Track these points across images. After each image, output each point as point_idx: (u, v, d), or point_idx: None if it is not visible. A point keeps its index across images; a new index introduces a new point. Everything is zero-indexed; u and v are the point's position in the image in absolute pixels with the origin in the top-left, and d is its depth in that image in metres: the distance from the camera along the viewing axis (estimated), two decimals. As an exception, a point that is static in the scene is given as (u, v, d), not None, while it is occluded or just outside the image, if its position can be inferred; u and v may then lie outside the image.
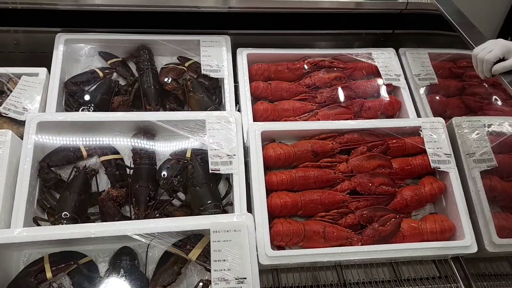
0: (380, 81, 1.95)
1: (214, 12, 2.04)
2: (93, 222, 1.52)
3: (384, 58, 2.01)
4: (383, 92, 1.92)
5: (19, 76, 1.85)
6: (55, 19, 1.99)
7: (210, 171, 1.55)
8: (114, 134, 1.69)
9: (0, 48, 2.06)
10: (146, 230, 1.28)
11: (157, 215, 1.53)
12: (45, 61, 1.98)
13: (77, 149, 1.62)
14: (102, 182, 1.63)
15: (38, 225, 1.50)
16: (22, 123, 1.74)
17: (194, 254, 1.31)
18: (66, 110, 1.82)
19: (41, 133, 1.57)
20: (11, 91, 1.80)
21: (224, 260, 1.25)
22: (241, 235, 1.28)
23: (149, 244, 1.35)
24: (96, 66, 1.99)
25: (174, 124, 1.63)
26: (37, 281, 1.26)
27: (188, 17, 2.04)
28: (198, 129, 1.66)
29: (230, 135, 1.61)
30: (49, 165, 1.57)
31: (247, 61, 1.95)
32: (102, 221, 1.51)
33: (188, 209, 1.56)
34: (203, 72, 1.91)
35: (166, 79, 1.89)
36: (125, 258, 1.29)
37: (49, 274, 1.27)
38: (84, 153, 1.62)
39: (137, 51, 2.00)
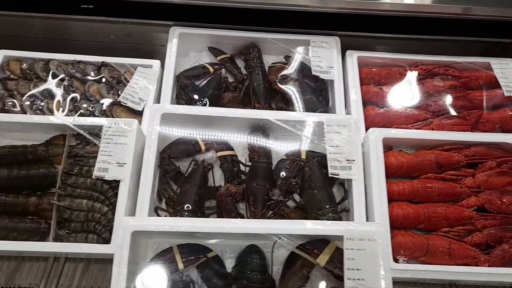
0: (499, 92, 1.85)
1: (323, 12, 2.00)
2: (209, 216, 1.54)
3: (504, 69, 1.90)
4: (503, 104, 1.82)
5: (134, 67, 1.91)
6: (167, 12, 2.03)
7: (330, 175, 1.52)
8: (230, 130, 1.70)
9: (113, 38, 2.12)
10: (279, 231, 1.28)
11: (271, 215, 1.52)
12: (154, 53, 2.04)
13: (195, 143, 1.64)
14: (216, 177, 1.64)
15: (158, 215, 1.53)
16: (137, 113, 1.80)
17: (322, 260, 1.29)
18: (177, 103, 1.85)
19: (162, 125, 1.61)
20: (127, 81, 1.86)
21: (358, 269, 1.22)
22: (374, 245, 1.25)
23: (274, 244, 1.35)
24: (205, 61, 2.02)
25: (292, 125, 1.62)
26: (169, 270, 1.29)
27: (296, 16, 2.02)
28: (314, 131, 1.64)
29: (349, 139, 1.58)
30: (169, 156, 1.60)
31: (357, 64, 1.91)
32: (218, 216, 1.53)
33: (302, 212, 1.54)
34: (313, 72, 1.89)
35: (276, 78, 1.88)
36: (255, 256, 1.29)
37: (180, 265, 1.29)
38: (203, 147, 1.64)
39: (247, 48, 2.00)
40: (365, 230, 1.26)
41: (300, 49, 1.99)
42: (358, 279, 1.21)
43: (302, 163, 1.59)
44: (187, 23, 2.02)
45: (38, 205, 1.52)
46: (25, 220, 1.49)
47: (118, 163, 1.54)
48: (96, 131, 1.60)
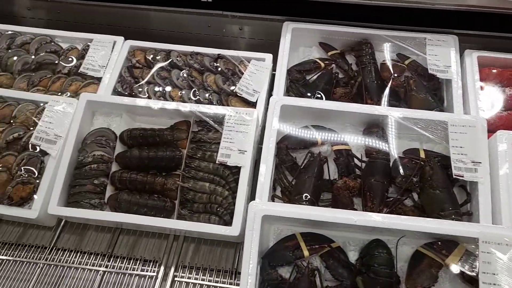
0: None
1: (439, 9, 1.94)
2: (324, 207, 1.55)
3: None
4: None
5: (248, 59, 1.97)
6: (280, 7, 2.07)
7: (454, 176, 1.48)
8: (344, 124, 1.71)
9: (225, 32, 2.20)
10: (412, 228, 1.26)
11: (387, 212, 1.51)
12: (263, 47, 2.09)
13: (312, 135, 1.66)
14: (330, 171, 1.65)
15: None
16: (250, 104, 1.86)
17: (452, 261, 1.26)
18: (288, 96, 1.88)
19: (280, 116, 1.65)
20: (242, 73, 1.93)
21: (494, 274, 1.18)
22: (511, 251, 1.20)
23: (398, 240, 1.34)
24: (314, 56, 2.04)
25: (414, 123, 1.59)
26: (294, 257, 1.32)
27: (410, 13, 1.98)
28: (434, 130, 1.60)
29: (475, 140, 1.52)
30: (287, 147, 1.64)
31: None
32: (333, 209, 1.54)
33: (420, 211, 1.52)
34: (430, 71, 1.85)
35: (389, 75, 1.86)
36: (382, 251, 1.29)
37: (306, 252, 1.32)
38: (319, 140, 1.66)
39: (359, 44, 1.99)
40: (503, 234, 1.21)
41: (414, 47, 1.95)
42: (494, 284, 1.17)
43: (422, 162, 1.56)
44: (299, 18, 2.06)
45: (164, 184, 1.63)
46: (153, 198, 1.61)
47: (239, 150, 1.60)
48: (218, 119, 1.68)
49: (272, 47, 2.05)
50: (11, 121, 1.71)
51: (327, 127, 1.71)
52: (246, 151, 1.59)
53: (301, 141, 1.67)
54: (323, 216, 1.30)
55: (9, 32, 2.07)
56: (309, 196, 1.50)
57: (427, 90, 1.82)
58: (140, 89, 1.90)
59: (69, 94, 1.90)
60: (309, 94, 1.83)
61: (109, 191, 1.65)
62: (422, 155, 1.60)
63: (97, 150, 1.67)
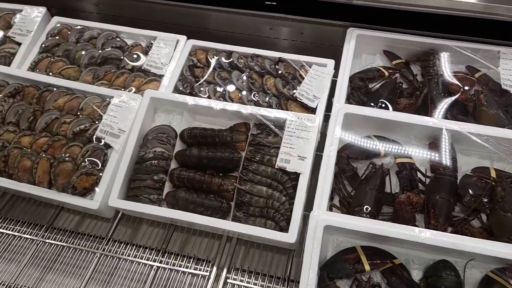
0: None
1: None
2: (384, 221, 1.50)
3: None
4: None
5: (309, 64, 1.94)
6: (345, 12, 2.03)
7: (530, 200, 1.40)
8: (409, 137, 1.65)
9: (287, 35, 2.19)
10: (484, 251, 1.20)
11: (452, 231, 1.44)
12: (325, 53, 2.05)
13: (374, 146, 1.62)
14: (391, 184, 1.60)
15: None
16: (309, 109, 1.83)
17: (526, 290, 1.18)
18: (349, 104, 1.84)
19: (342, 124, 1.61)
20: (302, 78, 1.90)
21: None
22: None
23: (467, 263, 1.27)
24: (378, 64, 1.98)
25: (485, 140, 1.52)
26: (354, 270, 1.28)
27: (482, 24, 1.89)
28: (508, 148, 1.52)
29: (556, 163, 1.43)
30: (348, 156, 1.60)
31: (555, 81, 1.72)
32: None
33: (488, 233, 1.43)
34: (503, 86, 1.76)
35: (459, 88, 1.78)
36: (450, 273, 1.23)
37: (367, 267, 1.28)
38: (382, 151, 1.61)
39: (425, 54, 1.92)
40: None
41: (486, 60, 1.86)
42: None
43: (493, 182, 1.48)
44: (364, 25, 2.01)
45: (221, 185, 1.63)
46: (209, 198, 1.61)
47: (299, 156, 1.58)
48: (278, 123, 1.67)
49: (332, 53, 2.02)
50: (78, 113, 1.77)
51: (390, 138, 1.65)
52: (306, 158, 1.57)
53: (363, 151, 1.62)
54: (389, 231, 1.26)
55: (78, 27, 2.14)
56: (370, 209, 1.46)
57: (498, 106, 1.73)
58: (201, 89, 1.92)
59: (132, 89, 1.94)
60: (371, 103, 1.78)
61: (167, 187, 1.67)
62: (493, 174, 1.51)
63: (158, 147, 1.69)
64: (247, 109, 1.70)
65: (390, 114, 1.63)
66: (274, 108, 1.82)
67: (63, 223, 1.72)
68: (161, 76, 1.98)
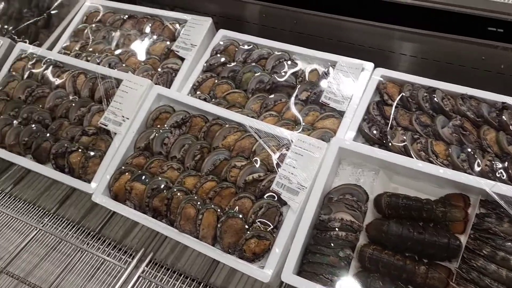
0: None
1: None
2: None
3: None
4: None
5: None
6: None
7: None
8: None
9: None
10: None
11: None
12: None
13: None
14: None
15: None
16: None
17: None
18: None
19: None
20: None
21: None
22: None
23: None
24: None
25: None
26: None
27: None
28: None
29: None
30: None
31: None
32: None
33: None
34: None
35: None
36: None
37: None
38: None
39: None
40: None
41: None
42: None
43: None
44: None
45: (427, 278, 1.23)
46: (412, 294, 1.22)
47: (557, 264, 1.10)
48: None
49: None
50: (250, 156, 1.49)
51: None
52: None
53: None
54: None
55: (246, 47, 1.87)
56: None
57: None
58: (393, 134, 1.52)
59: (303, 125, 1.62)
60: None
61: (352, 267, 1.32)
62: None
63: (345, 213, 1.35)
64: (469, 181, 1.26)
65: None
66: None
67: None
68: (340, 112, 1.63)
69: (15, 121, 1.77)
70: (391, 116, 1.58)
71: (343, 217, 1.34)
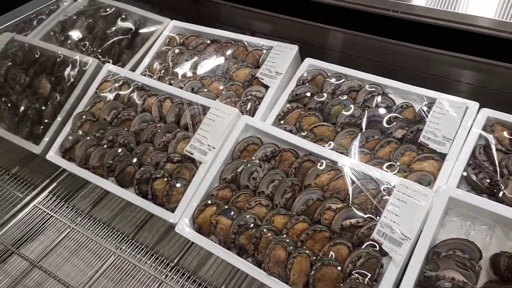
0: None
1: None
2: None
3: None
4: None
5: None
6: None
7: None
8: None
9: None
10: None
11: None
12: None
13: None
14: None
15: None
16: None
17: None
18: None
19: None
20: None
21: None
22: None
23: None
24: None
25: None
26: None
27: None
28: None
29: None
30: None
31: None
32: None
33: None
34: None
35: None
36: None
37: None
38: None
39: None
40: None
41: None
42: None
43: None
44: None
45: None
46: None
47: None
48: None
49: None
50: (346, 198, 1.39)
51: None
52: None
53: None
54: None
55: (333, 80, 1.79)
56: None
57: None
58: (505, 184, 1.37)
59: (398, 166, 1.50)
60: None
61: (465, 334, 1.18)
62: None
63: (454, 271, 1.22)
64: None
65: None
66: None
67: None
68: (441, 155, 1.50)
69: (101, 142, 1.77)
70: (502, 163, 1.43)
71: (455, 277, 1.20)
